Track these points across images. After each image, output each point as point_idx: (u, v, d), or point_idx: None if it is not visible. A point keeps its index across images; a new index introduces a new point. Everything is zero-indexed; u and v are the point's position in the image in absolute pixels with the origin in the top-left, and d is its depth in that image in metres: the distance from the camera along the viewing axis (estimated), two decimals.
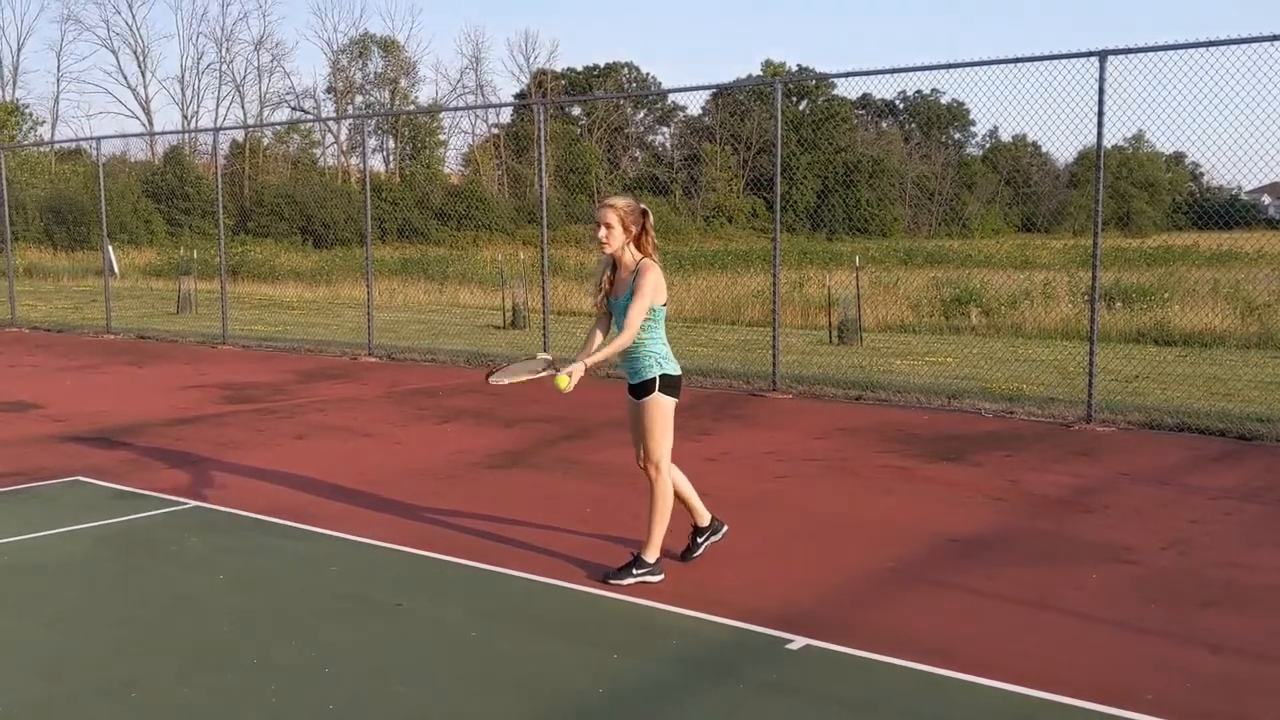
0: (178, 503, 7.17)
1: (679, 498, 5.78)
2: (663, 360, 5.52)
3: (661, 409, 5.52)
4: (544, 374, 5.56)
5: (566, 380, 5.29)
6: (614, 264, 5.62)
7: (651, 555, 5.55)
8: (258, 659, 4.60)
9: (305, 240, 49.09)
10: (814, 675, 4.42)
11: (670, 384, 5.53)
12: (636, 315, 5.40)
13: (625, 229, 5.50)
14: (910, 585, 5.53)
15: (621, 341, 5.43)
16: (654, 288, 5.44)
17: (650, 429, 5.53)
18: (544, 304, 13.61)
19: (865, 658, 4.56)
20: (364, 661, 4.56)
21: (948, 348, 15.52)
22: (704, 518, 5.87)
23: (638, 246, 5.55)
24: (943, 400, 10.81)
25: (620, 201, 5.52)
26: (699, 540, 5.86)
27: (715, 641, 4.79)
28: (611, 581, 5.50)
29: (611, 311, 5.65)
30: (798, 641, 4.74)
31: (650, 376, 5.51)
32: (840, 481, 7.79)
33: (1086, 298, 12.29)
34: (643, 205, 5.58)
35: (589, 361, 5.43)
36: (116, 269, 20.19)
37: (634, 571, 5.52)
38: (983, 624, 4.99)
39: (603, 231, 5.51)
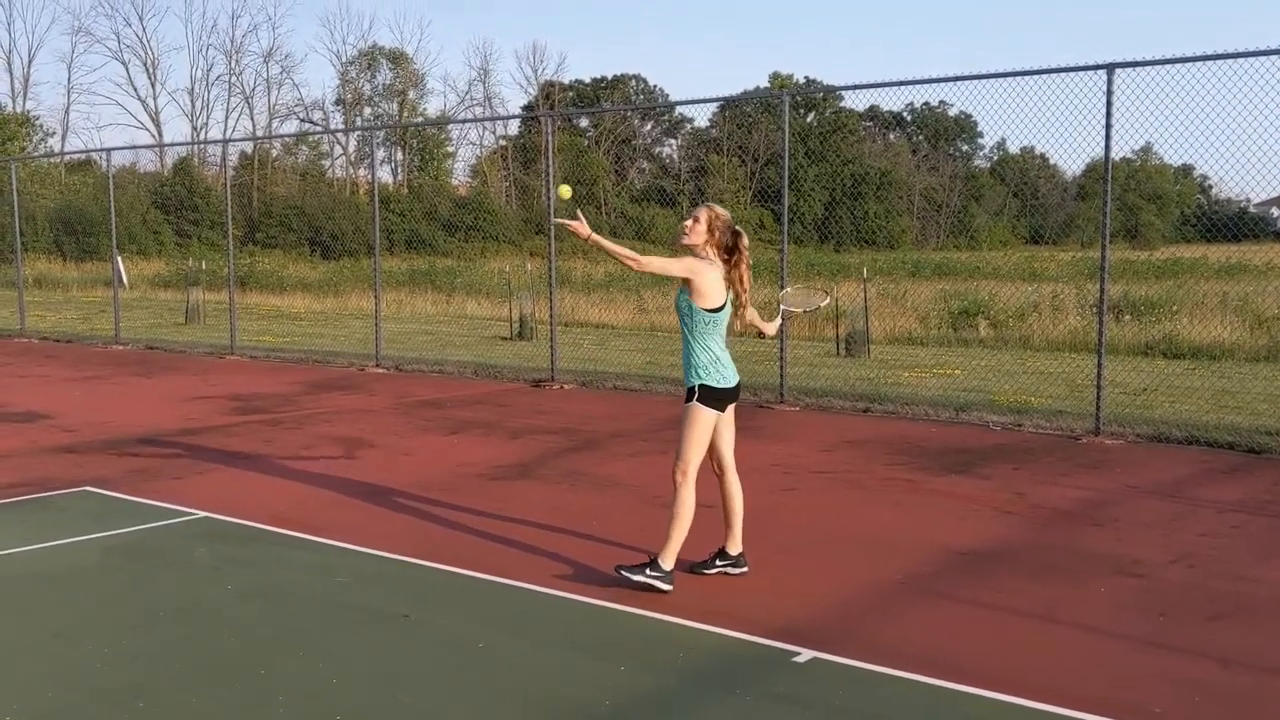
0: (186, 513, 7.19)
1: (725, 517, 5.84)
2: (701, 369, 5.57)
3: (693, 417, 5.58)
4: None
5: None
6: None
7: (667, 562, 5.56)
8: (265, 669, 4.60)
9: (313, 251, 49.24)
10: (820, 688, 4.41)
11: (709, 394, 5.57)
12: (665, 262, 5.50)
13: (710, 231, 5.57)
14: (917, 598, 5.52)
15: (629, 253, 5.47)
16: (693, 272, 5.47)
17: (681, 434, 5.61)
18: (551, 315, 13.63)
19: (872, 671, 4.55)
20: (371, 672, 4.57)
21: (955, 360, 15.51)
22: (735, 547, 5.86)
23: (725, 262, 5.60)
24: (950, 412, 10.80)
25: (719, 208, 5.64)
26: (718, 561, 5.86)
27: (722, 654, 4.79)
28: (622, 572, 5.53)
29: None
30: (804, 654, 4.73)
31: (691, 384, 5.59)
32: (847, 494, 7.78)
33: (1095, 310, 12.27)
34: (738, 229, 5.64)
35: (603, 241, 5.47)
36: (125, 280, 20.27)
37: (647, 571, 5.54)
38: (990, 637, 4.98)
39: (689, 222, 5.60)
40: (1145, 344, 16.48)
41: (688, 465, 5.58)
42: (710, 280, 5.52)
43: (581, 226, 5.44)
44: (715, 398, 5.59)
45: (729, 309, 5.64)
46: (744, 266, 5.65)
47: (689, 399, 5.59)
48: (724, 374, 5.61)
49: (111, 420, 10.91)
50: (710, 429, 5.63)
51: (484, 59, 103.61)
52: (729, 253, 5.61)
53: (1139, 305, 19.42)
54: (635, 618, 5.22)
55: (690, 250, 5.61)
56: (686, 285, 5.56)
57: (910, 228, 57.17)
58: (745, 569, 5.88)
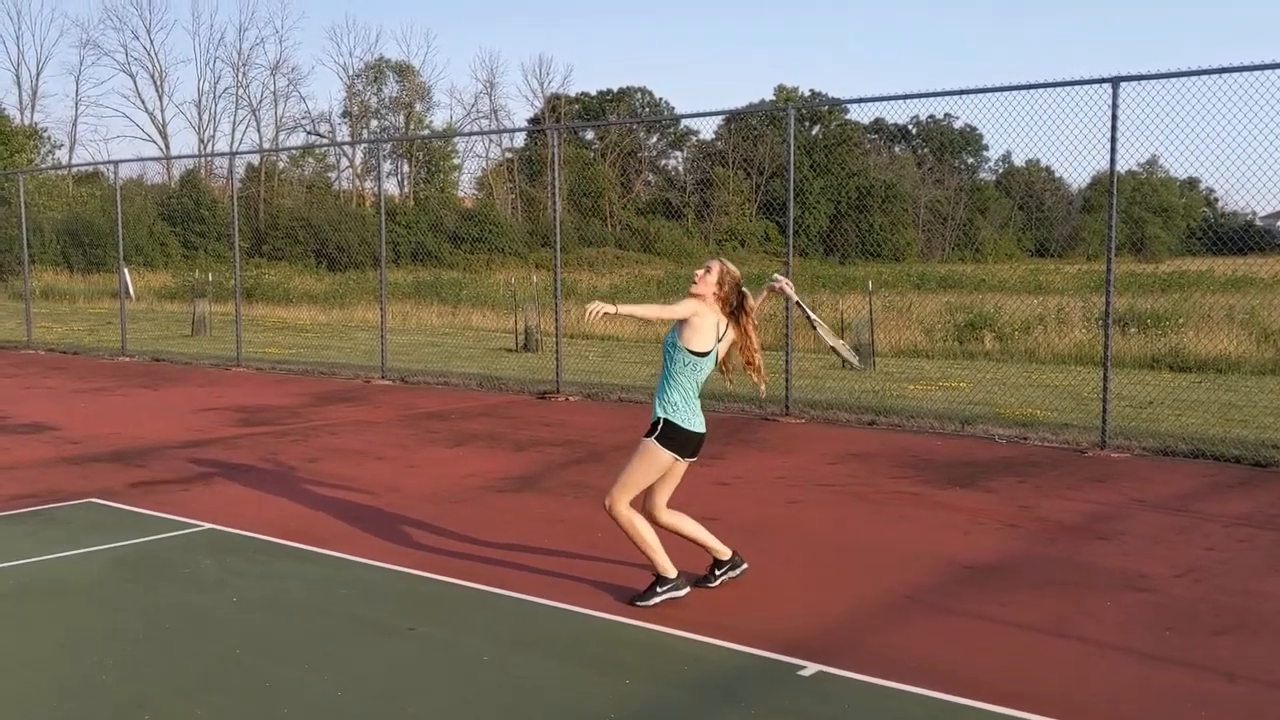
0: (191, 525, 7.19)
1: (694, 542, 5.79)
2: (671, 405, 5.50)
3: (647, 453, 5.50)
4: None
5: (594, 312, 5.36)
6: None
7: (667, 571, 5.57)
8: (270, 681, 4.60)
9: (319, 263, 49.28)
10: (826, 702, 4.40)
11: (672, 434, 5.47)
12: (671, 309, 5.46)
13: (719, 284, 5.55)
14: (923, 612, 5.51)
15: (646, 309, 5.52)
16: (695, 313, 5.45)
17: (627, 465, 5.54)
18: (557, 327, 13.64)
19: (877, 684, 4.54)
20: (375, 684, 4.56)
21: (961, 372, 15.49)
22: (724, 553, 5.84)
23: (729, 318, 5.58)
24: (956, 425, 10.78)
25: (731, 266, 5.63)
26: (717, 573, 5.84)
27: (727, 667, 4.78)
28: (638, 604, 5.50)
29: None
30: (810, 667, 4.72)
31: (657, 417, 5.52)
32: (853, 507, 7.77)
33: (1100, 323, 12.27)
34: (745, 290, 5.63)
35: (621, 307, 5.40)
36: (132, 291, 20.33)
37: (658, 590, 5.55)
38: (996, 651, 4.97)
39: (700, 272, 5.59)
40: (1151, 357, 16.46)
41: (616, 498, 5.50)
42: (705, 324, 5.48)
43: (606, 306, 5.37)
44: (677, 441, 5.48)
45: (713, 359, 5.56)
46: (751, 329, 5.62)
47: (650, 433, 5.51)
48: (692, 418, 5.52)
49: (117, 432, 10.93)
50: (659, 473, 5.53)
51: (490, 72, 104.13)
52: (734, 311, 5.57)
53: (1145, 318, 19.38)
54: (640, 630, 5.21)
55: (697, 298, 5.59)
56: (679, 324, 5.54)
57: (915, 240, 57.18)
58: (745, 565, 5.88)
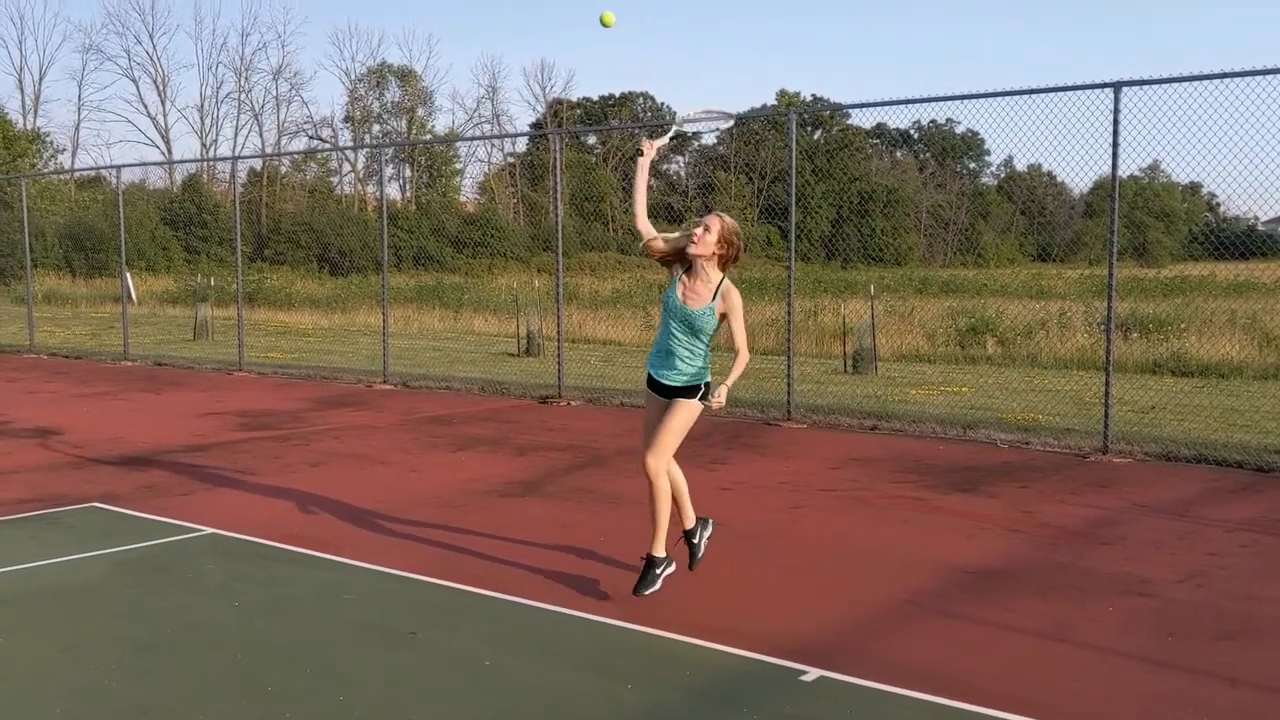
0: (194, 530, 7.20)
1: (675, 499, 5.87)
2: (705, 369, 5.72)
3: (693, 412, 5.68)
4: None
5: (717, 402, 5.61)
6: (689, 269, 5.66)
7: (661, 550, 5.68)
8: (272, 687, 4.61)
9: (321, 268, 49.31)
10: (828, 707, 4.40)
11: (708, 392, 5.72)
12: (744, 334, 5.64)
13: (720, 241, 5.59)
14: (925, 617, 5.51)
15: (744, 359, 5.63)
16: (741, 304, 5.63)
17: (673, 427, 5.64)
18: (559, 332, 13.65)
19: (879, 690, 4.54)
20: (378, 690, 4.57)
21: (963, 377, 15.49)
22: (690, 519, 5.96)
23: (723, 269, 5.66)
24: (958, 430, 10.78)
25: (730, 220, 5.66)
26: (694, 543, 5.97)
27: (729, 672, 4.78)
28: (644, 594, 5.58)
29: (671, 310, 5.70)
30: (812, 673, 4.72)
31: (699, 382, 5.66)
32: (855, 512, 7.77)
33: (1102, 327, 12.27)
34: (742, 243, 5.73)
35: (732, 376, 5.60)
36: (134, 296, 20.32)
37: (655, 573, 5.64)
38: (998, 656, 4.96)
39: (700, 229, 5.59)
40: (1153, 362, 16.45)
41: (663, 457, 5.63)
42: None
43: (722, 395, 5.56)
44: (708, 394, 5.70)
45: None
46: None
47: (688, 395, 5.65)
48: (710, 372, 5.79)
49: (120, 436, 10.93)
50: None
51: (492, 76, 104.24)
52: (725, 265, 5.66)
53: (1147, 323, 19.37)
54: (642, 635, 5.21)
55: (693, 258, 5.59)
56: (716, 306, 5.58)
57: (917, 245, 57.13)
58: (711, 520, 6.12)
